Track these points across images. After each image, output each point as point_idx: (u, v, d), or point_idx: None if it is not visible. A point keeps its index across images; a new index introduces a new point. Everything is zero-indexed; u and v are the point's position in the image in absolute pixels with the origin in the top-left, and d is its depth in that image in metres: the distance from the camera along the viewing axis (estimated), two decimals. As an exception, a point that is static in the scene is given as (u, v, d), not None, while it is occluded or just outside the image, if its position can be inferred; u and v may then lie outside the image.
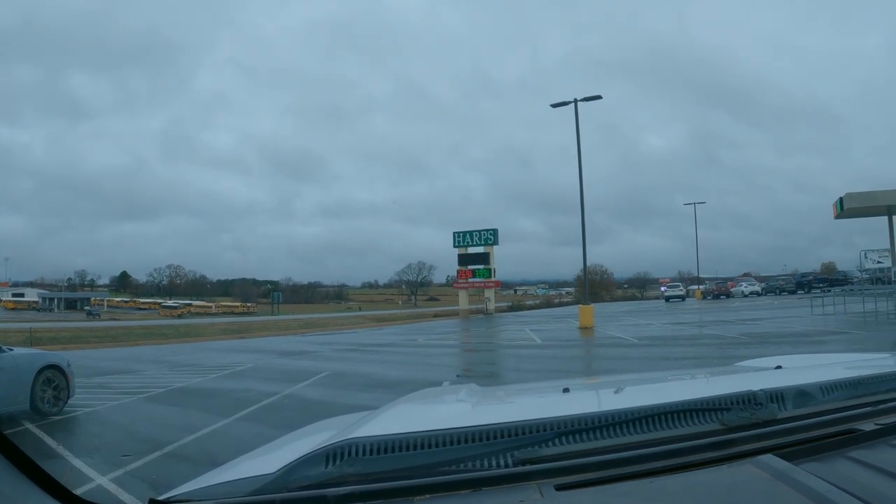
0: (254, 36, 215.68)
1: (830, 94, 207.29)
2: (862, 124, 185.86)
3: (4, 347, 9.65)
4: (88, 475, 6.16)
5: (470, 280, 56.94)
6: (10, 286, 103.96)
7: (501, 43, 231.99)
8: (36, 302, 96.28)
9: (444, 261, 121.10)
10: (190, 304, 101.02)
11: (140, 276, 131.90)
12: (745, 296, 56.94)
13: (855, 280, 43.54)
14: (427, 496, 1.16)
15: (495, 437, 1.32)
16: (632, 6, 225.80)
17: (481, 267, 56.26)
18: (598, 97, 30.31)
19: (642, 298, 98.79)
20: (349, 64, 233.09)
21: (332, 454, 1.27)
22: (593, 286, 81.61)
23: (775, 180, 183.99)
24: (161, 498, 1.31)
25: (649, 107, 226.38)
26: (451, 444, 1.30)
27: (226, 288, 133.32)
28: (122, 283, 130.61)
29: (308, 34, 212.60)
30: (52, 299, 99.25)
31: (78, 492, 1.46)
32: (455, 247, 57.57)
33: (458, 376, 13.62)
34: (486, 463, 1.27)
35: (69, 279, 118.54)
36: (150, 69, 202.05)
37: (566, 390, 1.96)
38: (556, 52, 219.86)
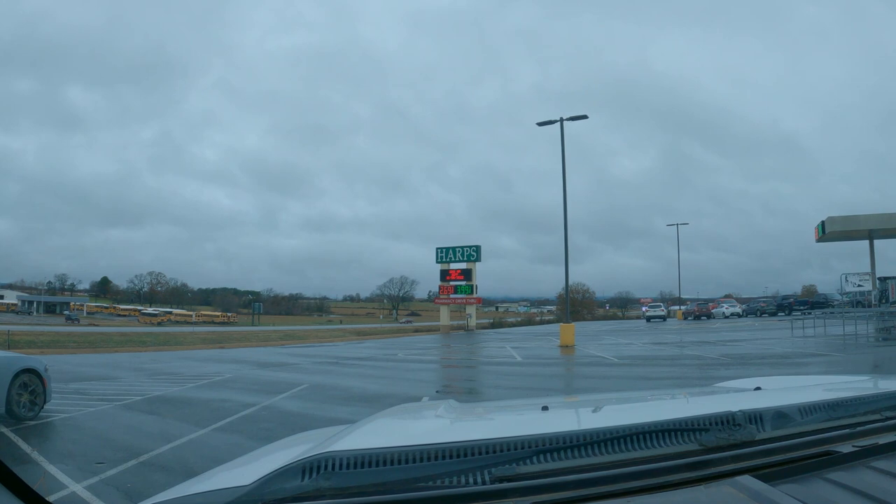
0: (242, 60, 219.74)
1: (794, 124, 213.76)
2: (827, 153, 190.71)
3: (-20, 351, 9.54)
4: (63, 482, 6.10)
5: (452, 296, 57.04)
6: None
7: (474, 72, 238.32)
8: (15, 304, 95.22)
9: (427, 276, 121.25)
10: (170, 313, 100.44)
11: (121, 282, 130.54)
12: (726, 317, 57.30)
13: (835, 303, 43.94)
14: None
15: (473, 454, 1.30)
16: (596, 40, 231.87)
17: (463, 283, 56.36)
18: (585, 117, 30.32)
19: (624, 318, 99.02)
20: (332, 88, 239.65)
21: (308, 467, 1.25)
22: (575, 305, 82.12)
23: (749, 205, 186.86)
24: None
25: (619, 134, 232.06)
26: (429, 459, 1.28)
27: (207, 297, 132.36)
28: (103, 288, 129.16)
29: (293, 60, 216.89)
30: (31, 302, 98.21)
31: (51, 498, 1.44)
32: (438, 262, 57.67)
33: (437, 392, 13.60)
34: (463, 479, 1.26)
35: (49, 283, 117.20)
36: (144, 86, 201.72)
37: (545, 408, 1.96)
38: (526, 82, 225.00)
